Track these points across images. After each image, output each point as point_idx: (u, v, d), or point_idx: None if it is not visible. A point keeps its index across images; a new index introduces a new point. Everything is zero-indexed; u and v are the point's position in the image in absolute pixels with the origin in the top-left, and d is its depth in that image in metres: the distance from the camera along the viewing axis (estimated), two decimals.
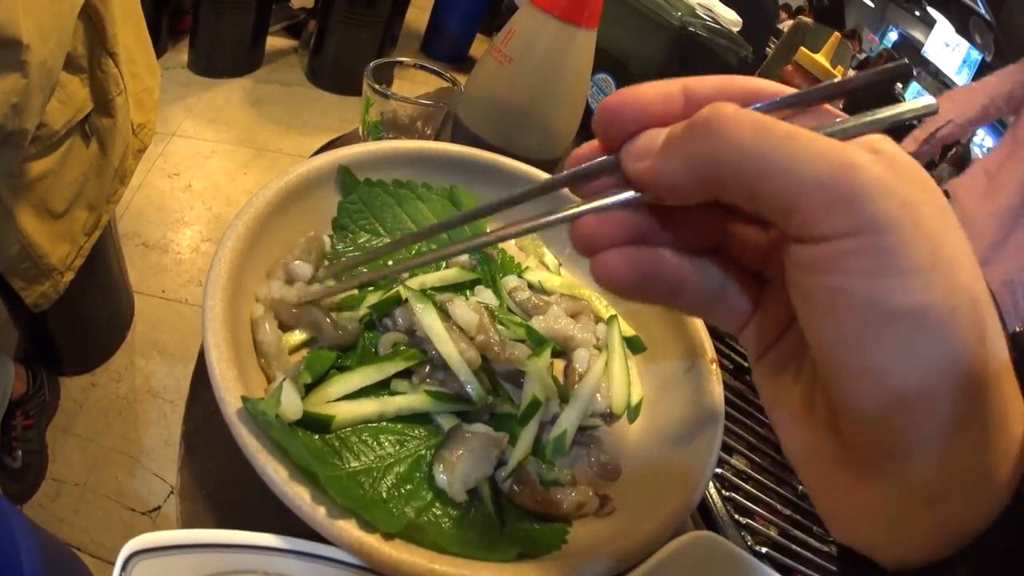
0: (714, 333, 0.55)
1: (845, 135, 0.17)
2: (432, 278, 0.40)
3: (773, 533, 0.43)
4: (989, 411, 0.15)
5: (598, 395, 0.39)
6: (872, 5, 4.55)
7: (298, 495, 0.25)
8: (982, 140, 2.76)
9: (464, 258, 0.42)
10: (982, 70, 3.62)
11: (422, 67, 0.55)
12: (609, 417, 0.40)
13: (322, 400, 0.31)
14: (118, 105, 0.84)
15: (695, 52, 0.76)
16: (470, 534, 0.29)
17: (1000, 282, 1.16)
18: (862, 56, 3.70)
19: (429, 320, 0.34)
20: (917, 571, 0.16)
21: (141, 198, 1.60)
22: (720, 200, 0.17)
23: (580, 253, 0.20)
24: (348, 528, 0.25)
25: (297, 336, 0.35)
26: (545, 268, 0.47)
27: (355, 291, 0.38)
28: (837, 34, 0.88)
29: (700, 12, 0.76)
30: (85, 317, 1.11)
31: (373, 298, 0.36)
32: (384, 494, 0.29)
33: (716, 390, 0.38)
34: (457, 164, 0.46)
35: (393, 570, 0.24)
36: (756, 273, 0.21)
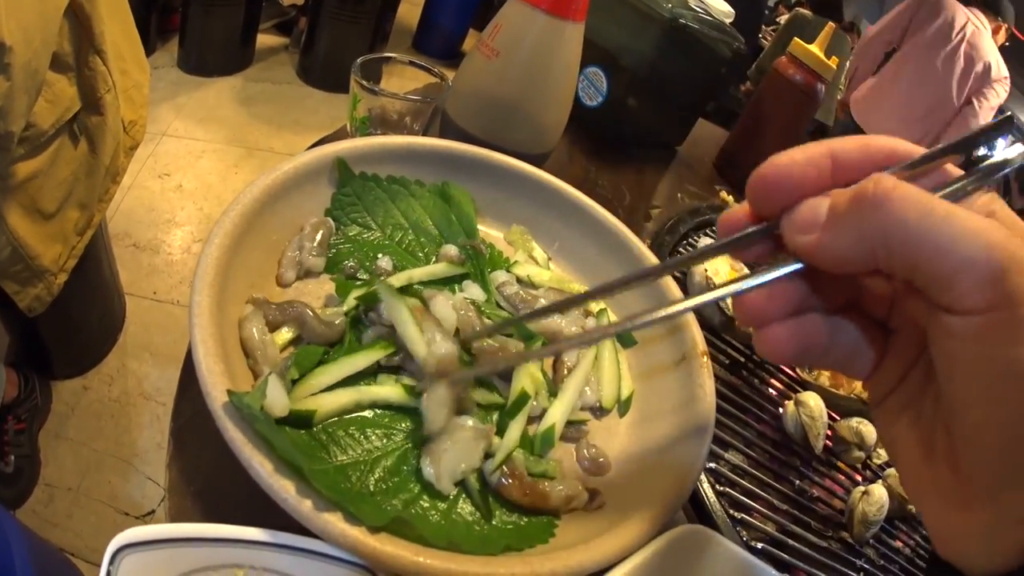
0: (708, 327, 0.55)
1: (964, 194, 0.19)
2: (420, 272, 0.40)
3: (771, 529, 0.43)
4: None
5: (587, 389, 0.39)
6: None
7: (283, 488, 0.25)
8: None
9: (453, 252, 0.42)
10: None
11: (410, 63, 0.55)
12: (599, 411, 0.40)
13: (305, 393, 0.31)
14: (107, 103, 0.84)
15: (687, 44, 0.76)
16: (457, 527, 0.29)
17: None
18: None
19: (398, 315, 0.33)
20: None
21: (131, 199, 1.59)
22: (876, 270, 0.19)
23: (743, 324, 0.21)
24: (333, 521, 0.25)
25: (284, 335, 0.35)
26: (534, 262, 0.47)
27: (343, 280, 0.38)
28: (832, 24, 0.88)
29: (691, 3, 0.76)
30: (76, 320, 1.11)
31: (359, 291, 0.36)
32: (371, 488, 0.29)
33: (707, 383, 0.39)
34: (447, 159, 0.46)
35: (378, 563, 0.24)
36: (881, 323, 0.23)
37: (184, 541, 0.25)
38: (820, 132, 3.11)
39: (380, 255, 0.41)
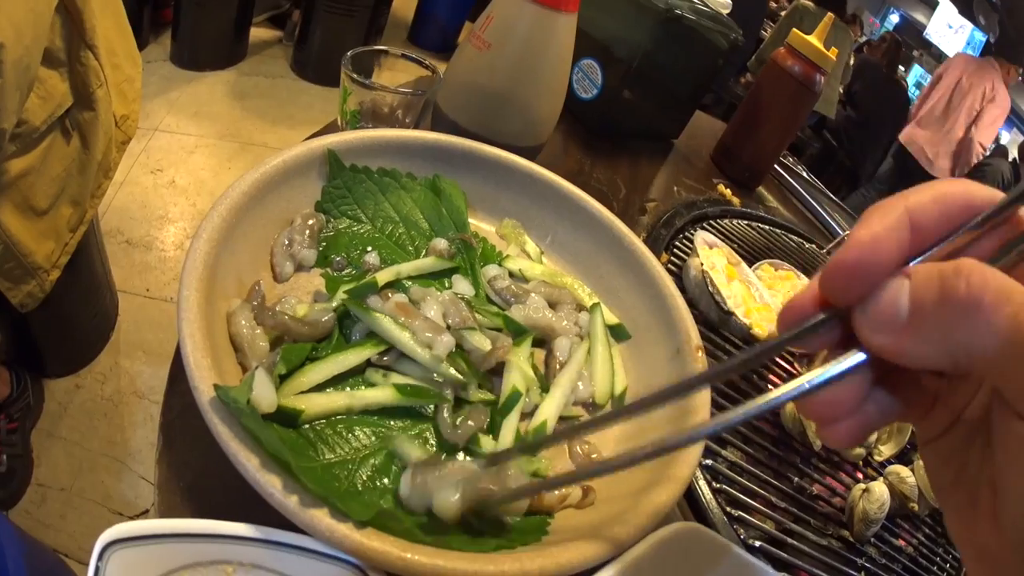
0: (703, 321, 0.55)
1: None
2: (408, 267, 0.40)
3: (770, 527, 0.43)
4: None
5: (580, 384, 0.39)
6: None
7: (270, 483, 0.25)
8: None
9: (443, 245, 0.42)
10: (986, 51, 3.61)
11: (402, 55, 0.54)
12: (592, 406, 0.39)
13: (294, 390, 0.31)
14: (99, 98, 0.83)
15: (683, 36, 0.76)
16: (448, 524, 0.29)
17: None
18: (863, 39, 3.67)
19: (380, 329, 0.33)
20: None
21: (124, 195, 1.58)
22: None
23: (807, 418, 0.20)
24: (320, 516, 0.24)
25: (273, 330, 0.34)
26: (527, 256, 0.47)
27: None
28: (831, 15, 0.88)
29: None
30: (69, 318, 1.10)
31: (348, 285, 0.36)
32: (359, 486, 0.29)
33: None
34: (438, 152, 0.46)
35: (366, 559, 0.24)
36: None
37: (173, 537, 0.25)
38: (820, 124, 3.11)
39: (368, 249, 0.41)
